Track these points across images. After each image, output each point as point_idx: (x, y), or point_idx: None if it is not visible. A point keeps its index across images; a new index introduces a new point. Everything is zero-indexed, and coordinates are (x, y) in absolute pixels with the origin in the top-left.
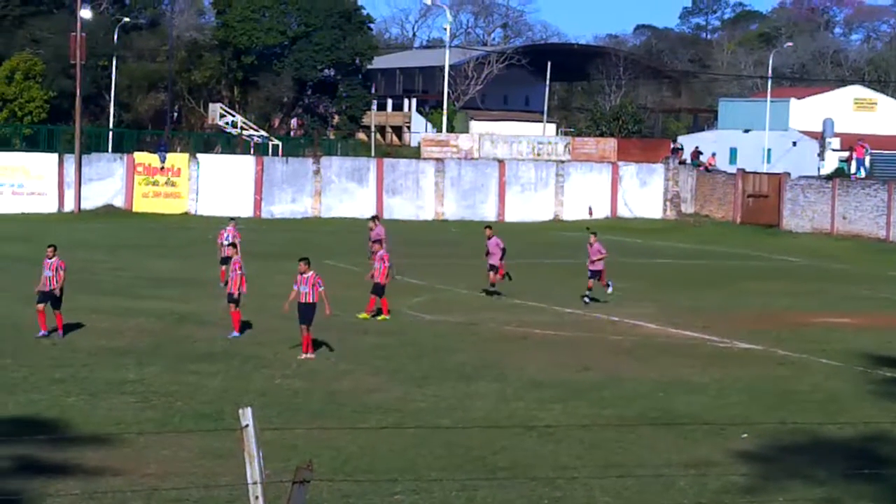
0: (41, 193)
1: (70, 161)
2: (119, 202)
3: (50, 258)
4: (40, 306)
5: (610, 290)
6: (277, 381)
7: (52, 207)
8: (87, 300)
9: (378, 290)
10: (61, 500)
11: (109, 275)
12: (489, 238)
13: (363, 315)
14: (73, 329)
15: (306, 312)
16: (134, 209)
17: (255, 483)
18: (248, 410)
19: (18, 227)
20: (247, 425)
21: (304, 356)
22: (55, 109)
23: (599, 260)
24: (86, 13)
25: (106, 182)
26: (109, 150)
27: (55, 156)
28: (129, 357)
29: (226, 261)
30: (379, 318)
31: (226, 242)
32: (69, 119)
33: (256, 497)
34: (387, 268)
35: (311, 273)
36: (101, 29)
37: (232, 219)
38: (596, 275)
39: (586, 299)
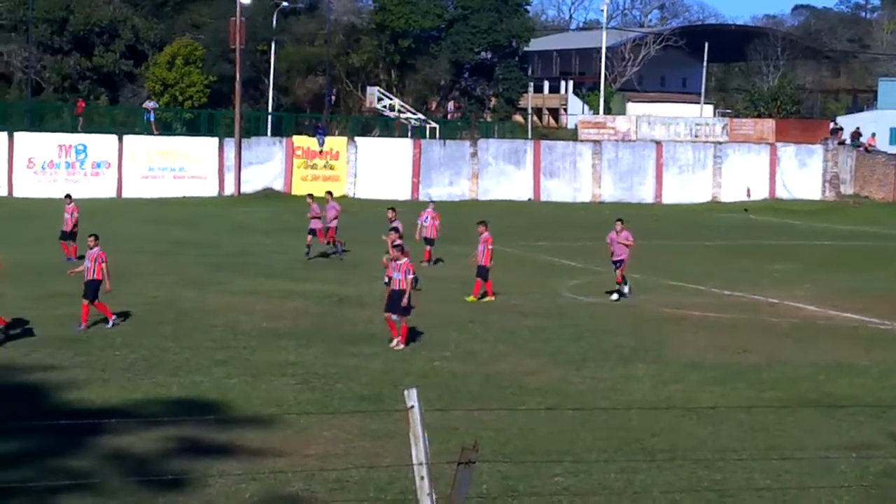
0: (202, 177)
1: (230, 145)
2: (278, 185)
3: (91, 248)
4: (84, 301)
5: (617, 296)
6: (436, 364)
7: (212, 191)
8: (247, 283)
9: (482, 272)
10: (224, 481)
11: (269, 258)
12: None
13: (470, 298)
14: (232, 311)
15: (396, 300)
16: (293, 192)
17: (420, 464)
18: (414, 391)
19: (180, 211)
20: (412, 406)
21: (394, 344)
22: (215, 94)
23: (626, 247)
24: None
25: (265, 166)
26: (268, 133)
27: (215, 140)
28: (289, 339)
29: (429, 242)
30: (485, 299)
31: (425, 223)
32: (229, 103)
33: (422, 477)
34: (490, 251)
35: (404, 260)
36: (260, 13)
37: (432, 200)
38: (618, 265)
39: (615, 295)
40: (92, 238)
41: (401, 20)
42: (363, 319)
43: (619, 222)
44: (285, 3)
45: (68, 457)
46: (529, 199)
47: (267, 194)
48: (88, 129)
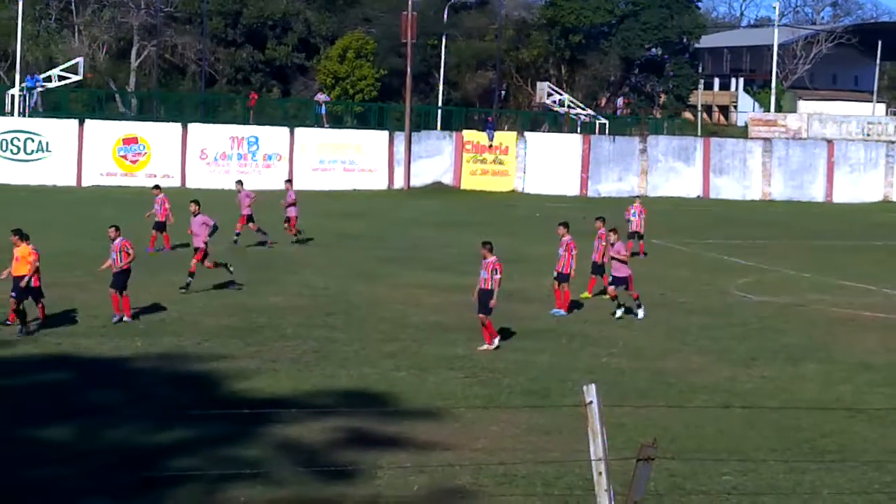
0: (372, 170)
1: (400, 138)
2: (447, 179)
3: (113, 239)
4: (112, 291)
5: (621, 311)
6: (604, 360)
7: (382, 184)
8: (415, 276)
9: (596, 269)
10: (392, 473)
11: (438, 251)
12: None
13: (585, 294)
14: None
15: (483, 300)
16: (462, 186)
17: (599, 459)
18: (593, 387)
19: (351, 204)
20: (591, 402)
21: (483, 347)
22: (385, 87)
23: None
24: None
25: (435, 160)
26: (438, 127)
27: (386, 133)
28: (457, 333)
29: (638, 236)
30: (583, 294)
31: (633, 218)
32: (399, 97)
33: (600, 473)
34: (603, 247)
35: (492, 258)
36: (431, 8)
37: (637, 197)
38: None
39: (620, 310)
40: (112, 229)
41: (571, 15)
42: (530, 314)
43: (604, 225)
44: None
45: (238, 446)
46: (698, 197)
47: (436, 188)
48: (260, 122)
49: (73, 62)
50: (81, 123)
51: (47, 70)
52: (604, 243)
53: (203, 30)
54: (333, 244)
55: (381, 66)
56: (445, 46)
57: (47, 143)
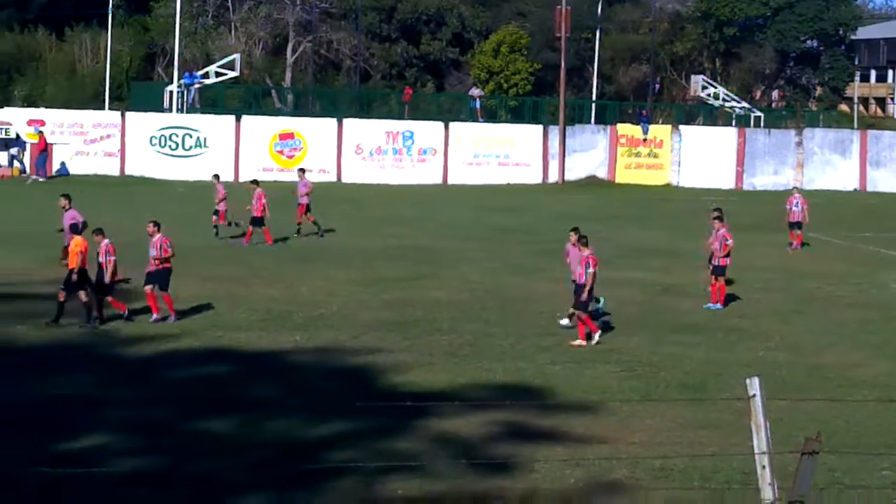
0: (526, 164)
1: (554, 132)
2: (602, 173)
3: (151, 236)
4: (147, 289)
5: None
6: (761, 354)
7: (536, 178)
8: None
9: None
10: (549, 466)
11: (592, 245)
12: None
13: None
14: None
15: (576, 293)
16: (616, 180)
17: (763, 453)
18: (756, 380)
19: (505, 198)
20: (754, 395)
21: (576, 343)
22: (539, 81)
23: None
24: None
25: (589, 153)
26: (592, 121)
27: (540, 127)
28: (612, 327)
29: (798, 226)
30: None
31: (794, 208)
32: (553, 91)
33: (763, 466)
34: (727, 246)
35: (587, 252)
36: (584, 1)
37: (796, 187)
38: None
39: (565, 319)
40: (151, 224)
41: (726, 8)
42: (686, 309)
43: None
44: None
45: (396, 438)
46: (855, 190)
47: (590, 182)
48: (415, 116)
49: (229, 59)
50: (238, 119)
51: (204, 67)
52: (728, 243)
53: (358, 25)
54: (489, 238)
55: (535, 61)
56: (599, 40)
57: (205, 139)
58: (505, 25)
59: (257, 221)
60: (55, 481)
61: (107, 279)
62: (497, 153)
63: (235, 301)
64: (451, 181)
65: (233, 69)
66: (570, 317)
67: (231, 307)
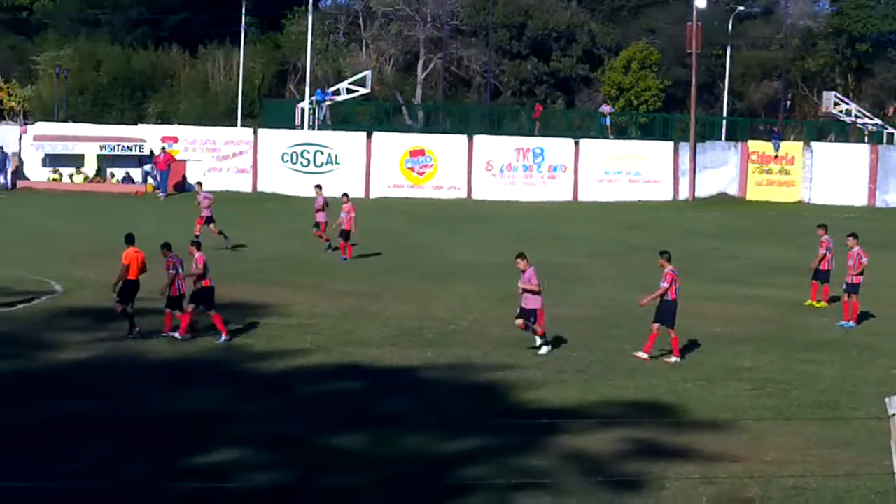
0: (656, 181)
1: (685, 149)
2: (732, 190)
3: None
4: (190, 307)
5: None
6: (893, 372)
7: (666, 195)
8: (700, 287)
9: (820, 275)
10: (680, 484)
11: (723, 263)
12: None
13: (809, 302)
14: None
15: (663, 310)
16: (747, 197)
17: None
18: (895, 399)
19: (635, 215)
20: (893, 414)
21: (672, 359)
22: (670, 98)
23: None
24: (700, 2)
25: (720, 170)
26: (723, 138)
27: (670, 144)
28: (744, 344)
29: None
30: (817, 304)
31: None
32: (683, 107)
33: None
34: (861, 264)
35: (668, 269)
36: (715, 17)
37: None
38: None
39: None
40: (194, 247)
41: (858, 24)
42: (819, 326)
43: (825, 233)
44: (741, 8)
45: (526, 455)
46: None
47: (721, 199)
48: (545, 133)
49: (360, 75)
50: (369, 136)
51: (336, 83)
52: (825, 251)
53: (489, 42)
54: (619, 255)
55: (666, 77)
56: (730, 56)
57: (336, 156)
58: (635, 42)
59: (345, 234)
60: (188, 495)
61: (159, 292)
62: (627, 170)
63: (368, 317)
64: (581, 198)
65: (364, 86)
66: (544, 342)
67: (363, 323)
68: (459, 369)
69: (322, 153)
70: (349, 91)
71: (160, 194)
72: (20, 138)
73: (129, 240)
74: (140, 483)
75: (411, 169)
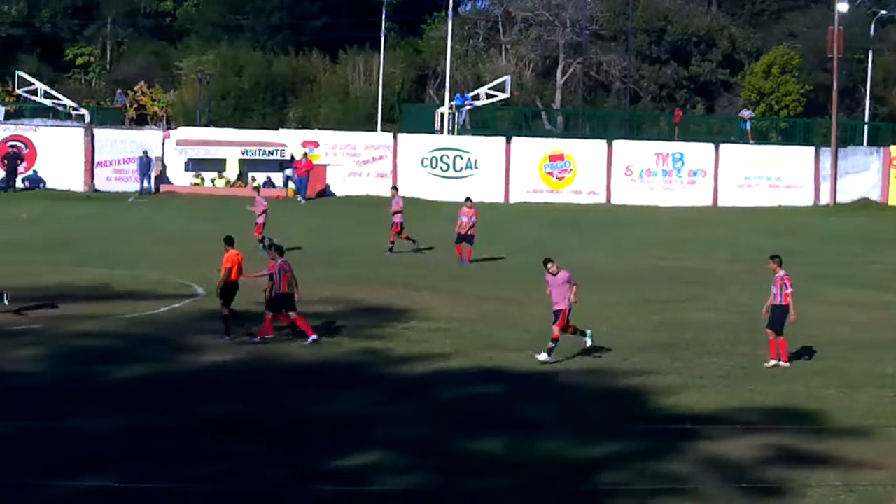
0: (797, 186)
1: (825, 154)
2: (874, 195)
3: (275, 260)
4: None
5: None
6: None
7: (807, 200)
8: (841, 293)
9: None
10: (822, 491)
11: (865, 268)
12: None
13: None
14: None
15: (774, 315)
16: (889, 202)
17: None
18: None
19: (774, 220)
20: None
21: (771, 363)
22: (811, 103)
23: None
24: (842, 7)
25: (861, 175)
26: (865, 143)
27: (811, 149)
28: (887, 350)
29: None
30: None
31: None
32: (824, 112)
33: None
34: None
35: (781, 273)
36: (857, 22)
37: None
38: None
39: (543, 354)
40: (272, 249)
41: None
42: None
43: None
44: (883, 12)
45: (666, 461)
46: None
47: (863, 204)
48: (685, 138)
49: (500, 80)
50: (508, 141)
51: (475, 88)
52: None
53: (628, 47)
54: (758, 260)
55: (807, 82)
56: (872, 61)
57: (475, 161)
58: (776, 46)
59: (467, 238)
60: (328, 498)
61: (265, 296)
62: (768, 175)
63: (507, 321)
64: (720, 203)
65: (503, 91)
66: (550, 351)
67: (503, 327)
68: (598, 374)
69: (461, 158)
70: (488, 96)
71: (300, 199)
72: (163, 143)
73: (229, 241)
74: (280, 486)
75: (550, 174)
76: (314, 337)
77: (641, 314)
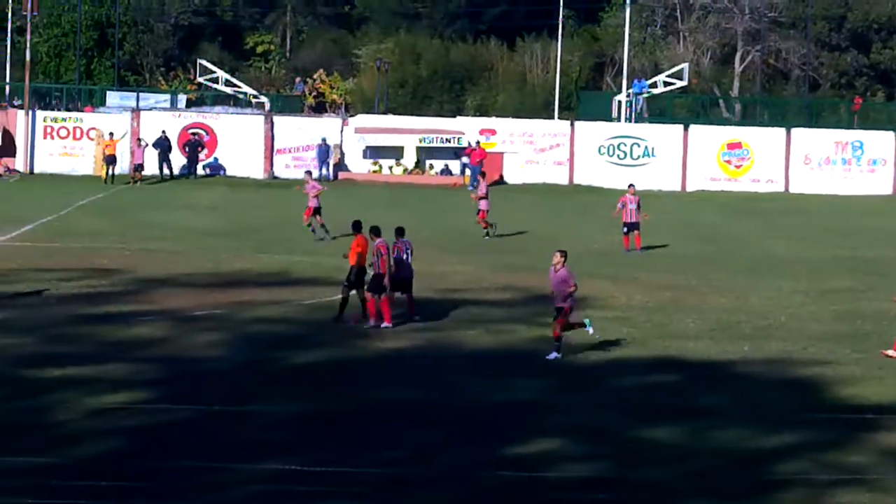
0: None
1: None
2: None
3: (373, 240)
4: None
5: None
6: None
7: None
8: None
9: None
10: None
11: None
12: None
13: None
14: None
15: None
16: None
17: None
18: None
19: None
20: None
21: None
22: None
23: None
24: None
25: None
26: None
27: None
28: None
29: None
30: None
31: None
32: None
33: None
34: None
35: None
36: None
37: None
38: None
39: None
40: (371, 233)
41: None
42: None
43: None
44: None
45: (845, 451)
46: None
47: None
48: (864, 126)
49: (677, 68)
50: (686, 129)
51: (652, 76)
52: None
53: (807, 34)
54: None
55: None
56: None
57: (652, 149)
58: None
59: (633, 227)
60: (507, 484)
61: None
62: None
63: (685, 310)
64: None
65: (681, 79)
66: (557, 349)
67: (680, 316)
68: (776, 364)
69: (638, 146)
70: (666, 84)
71: (470, 187)
72: (342, 131)
73: (357, 227)
74: (459, 471)
75: (728, 162)
76: (388, 324)
77: (820, 303)
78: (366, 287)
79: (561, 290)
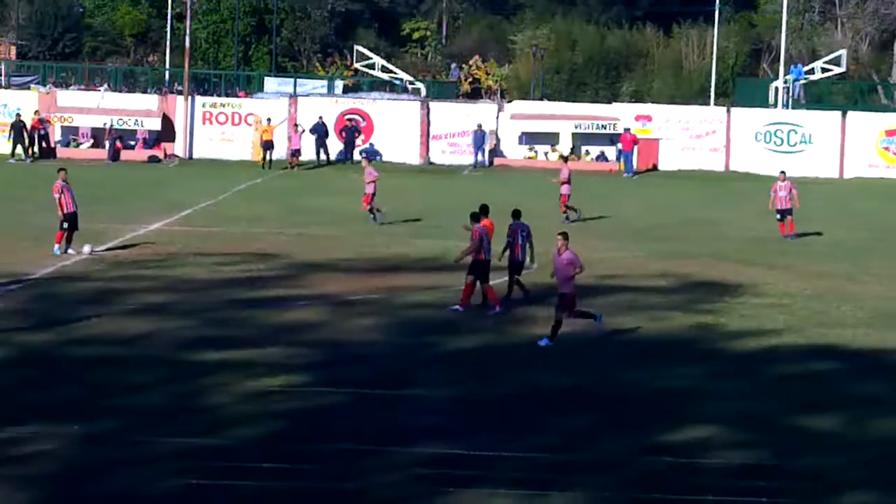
0: None
1: None
2: None
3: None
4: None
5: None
6: None
7: None
8: None
9: None
10: None
11: None
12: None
13: None
14: None
15: None
16: None
17: None
18: None
19: None
20: None
21: None
22: None
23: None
24: None
25: None
26: None
27: None
28: None
29: None
30: None
31: None
32: None
33: None
34: None
35: None
36: None
37: None
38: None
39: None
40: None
41: None
42: None
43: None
44: None
45: None
46: None
47: None
48: None
49: (835, 54)
50: (843, 115)
51: (810, 62)
52: None
53: None
54: None
55: None
56: None
57: (809, 135)
58: None
59: (786, 213)
60: (665, 470)
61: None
62: None
63: (843, 298)
64: None
65: (838, 65)
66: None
67: (838, 304)
68: None
69: (795, 133)
70: (823, 70)
71: (624, 175)
72: (497, 117)
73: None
74: (616, 457)
75: (887, 149)
76: (499, 310)
77: None
78: (467, 272)
79: (565, 274)
